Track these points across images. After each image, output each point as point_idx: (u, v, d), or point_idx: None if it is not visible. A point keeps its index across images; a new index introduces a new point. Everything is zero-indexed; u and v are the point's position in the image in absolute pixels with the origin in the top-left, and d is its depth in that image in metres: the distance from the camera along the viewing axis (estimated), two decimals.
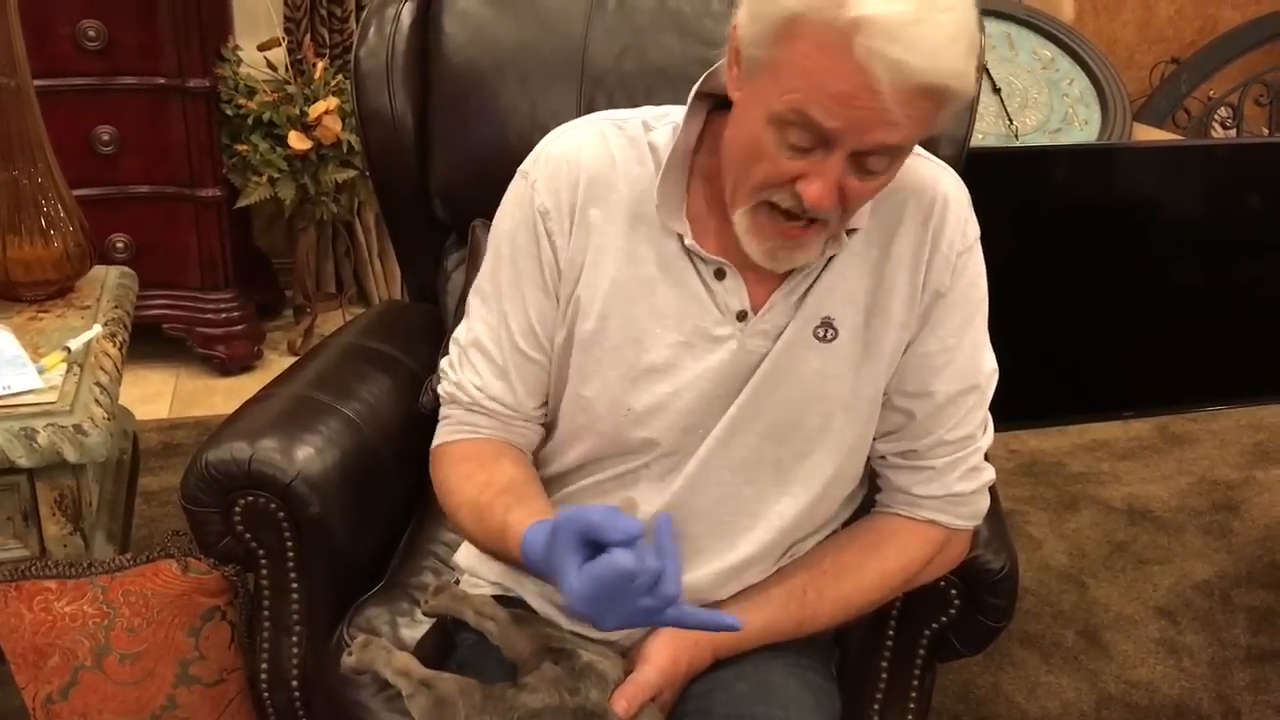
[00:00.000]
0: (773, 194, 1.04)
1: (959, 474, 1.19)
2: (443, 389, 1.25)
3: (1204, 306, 3.10)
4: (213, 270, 2.91)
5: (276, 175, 2.82)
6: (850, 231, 1.12)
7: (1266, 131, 3.77)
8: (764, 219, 1.06)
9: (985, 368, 1.19)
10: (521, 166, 1.21)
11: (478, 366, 1.21)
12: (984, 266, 1.19)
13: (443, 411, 1.25)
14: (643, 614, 0.96)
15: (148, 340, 2.98)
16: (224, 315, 2.95)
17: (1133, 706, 2.01)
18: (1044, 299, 3.21)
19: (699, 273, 1.14)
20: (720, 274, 1.14)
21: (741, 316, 1.14)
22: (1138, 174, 3.01)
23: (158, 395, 2.90)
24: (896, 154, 1.02)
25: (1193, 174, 3.07)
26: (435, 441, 1.26)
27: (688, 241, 1.13)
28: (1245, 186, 3.08)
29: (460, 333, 1.24)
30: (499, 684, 1.11)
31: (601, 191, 1.16)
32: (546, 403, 1.23)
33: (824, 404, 1.16)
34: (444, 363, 1.26)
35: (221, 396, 2.88)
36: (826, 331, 1.15)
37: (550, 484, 1.24)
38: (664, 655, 1.15)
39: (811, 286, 1.14)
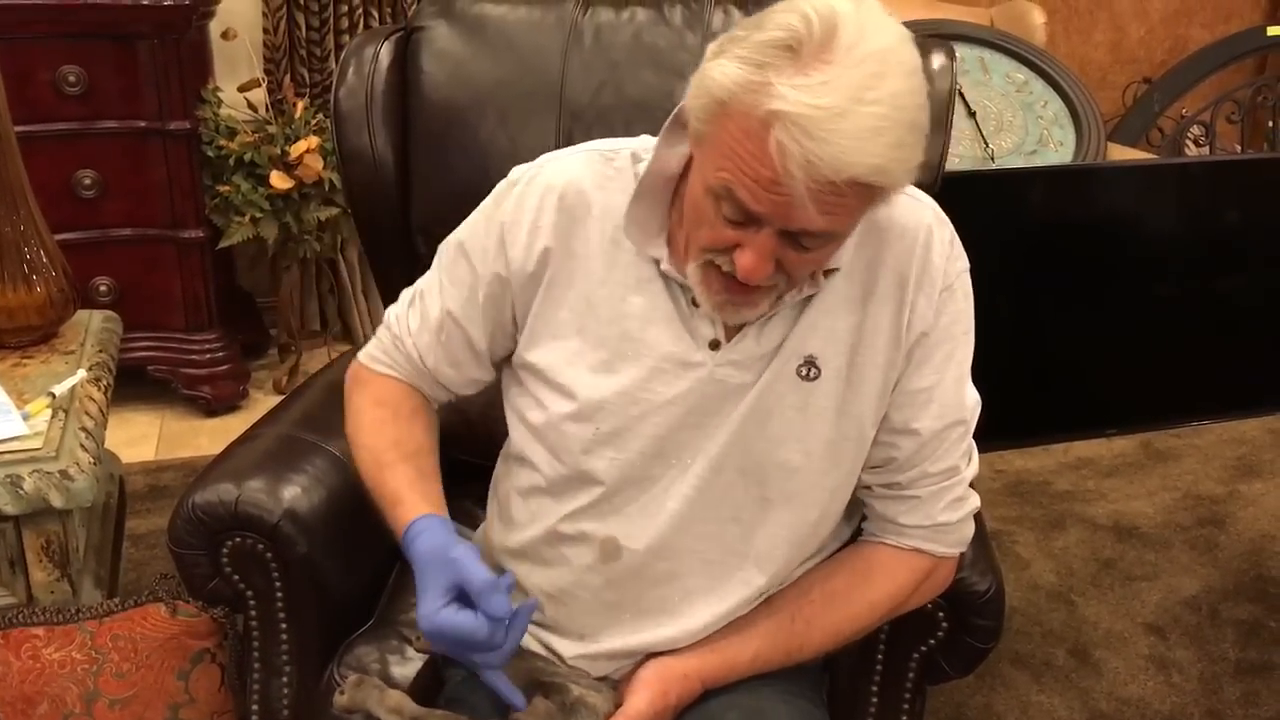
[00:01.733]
0: (715, 257, 1.06)
1: (944, 504, 1.20)
2: (388, 311, 1.32)
3: (1183, 322, 3.13)
4: (197, 311, 2.91)
5: (259, 215, 2.83)
6: (829, 272, 1.13)
7: (1239, 148, 3.81)
8: (711, 276, 1.08)
9: (968, 402, 1.20)
10: (514, 171, 1.24)
11: (416, 313, 1.28)
12: (970, 299, 1.20)
13: (379, 329, 1.32)
14: (466, 659, 1.12)
15: (132, 383, 2.98)
16: (209, 356, 2.95)
17: None
18: (1024, 319, 3.23)
19: (675, 298, 1.15)
20: (695, 302, 1.15)
21: (713, 345, 1.15)
22: (1114, 193, 3.05)
23: (143, 438, 2.90)
24: (830, 237, 1.04)
25: (1169, 192, 3.10)
26: (362, 356, 1.33)
27: (664, 266, 1.14)
28: (1220, 203, 3.12)
29: (425, 277, 1.30)
30: None
31: (578, 218, 1.17)
32: (470, 378, 1.28)
33: (806, 443, 1.16)
34: (405, 290, 1.31)
35: (207, 437, 2.87)
36: (809, 370, 1.15)
37: (525, 526, 1.24)
38: (653, 688, 1.16)
39: (795, 324, 1.14)
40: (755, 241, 1.01)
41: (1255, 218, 3.13)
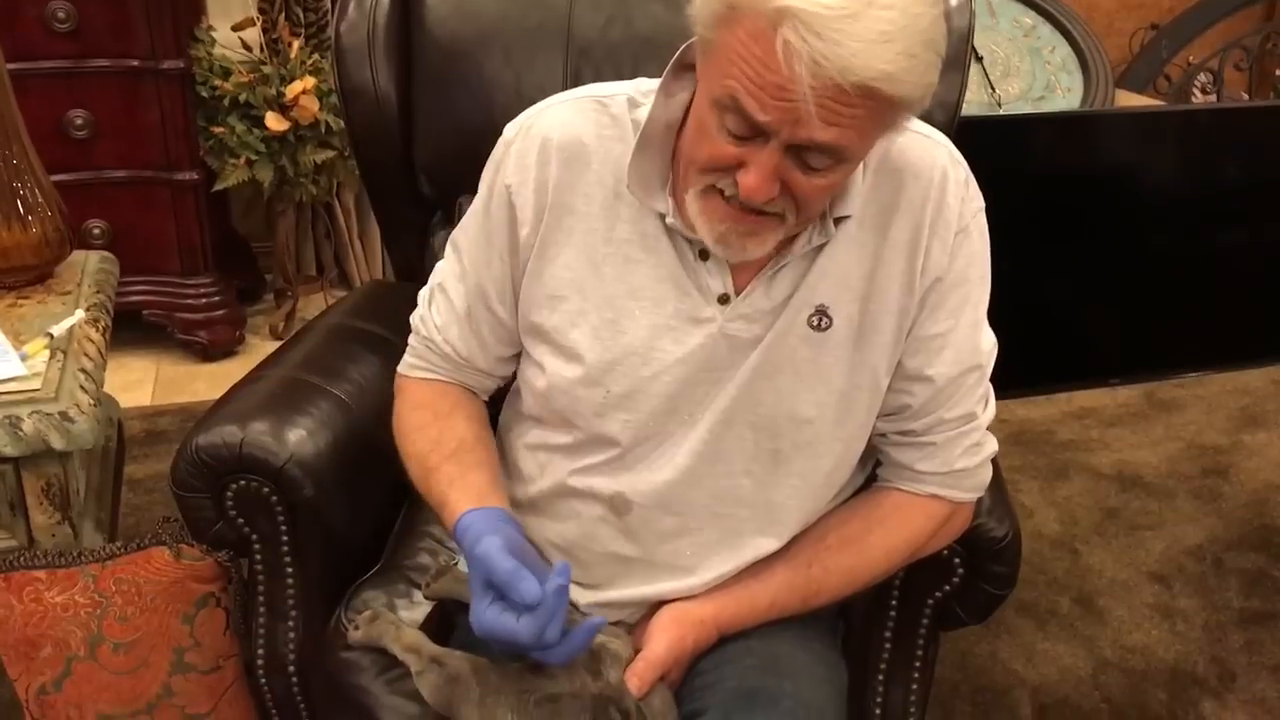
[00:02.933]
0: (717, 179, 1.01)
1: (961, 450, 1.18)
2: (413, 316, 1.28)
3: (1188, 272, 3.10)
4: (192, 255, 2.87)
5: (254, 157, 2.78)
6: (840, 220, 1.09)
7: (1246, 96, 3.77)
8: (713, 202, 1.03)
9: (984, 346, 1.17)
10: (508, 128, 1.20)
11: (440, 308, 1.24)
12: (986, 240, 1.16)
13: (410, 338, 1.28)
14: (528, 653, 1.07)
15: (127, 327, 2.94)
16: (204, 300, 2.91)
17: (1130, 671, 2.01)
18: (1029, 268, 3.20)
19: (681, 253, 1.12)
20: (704, 254, 1.11)
21: (723, 299, 1.12)
22: (1122, 141, 3.01)
23: (139, 383, 2.86)
24: (838, 155, 0.98)
25: (1176, 140, 3.06)
26: (400, 367, 1.30)
27: (669, 220, 1.10)
28: (1228, 152, 3.08)
29: (437, 268, 1.27)
30: (513, 664, 1.09)
31: (577, 171, 1.13)
32: (506, 357, 1.25)
33: (818, 394, 1.13)
34: (421, 291, 1.28)
35: (204, 383, 2.84)
36: (820, 320, 1.12)
37: (534, 479, 1.23)
38: (671, 633, 1.14)
39: (806, 274, 1.11)
40: (759, 157, 0.96)
41: (1262, 167, 3.10)
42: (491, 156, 1.20)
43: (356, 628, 1.18)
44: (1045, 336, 3.08)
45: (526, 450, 1.23)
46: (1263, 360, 3.09)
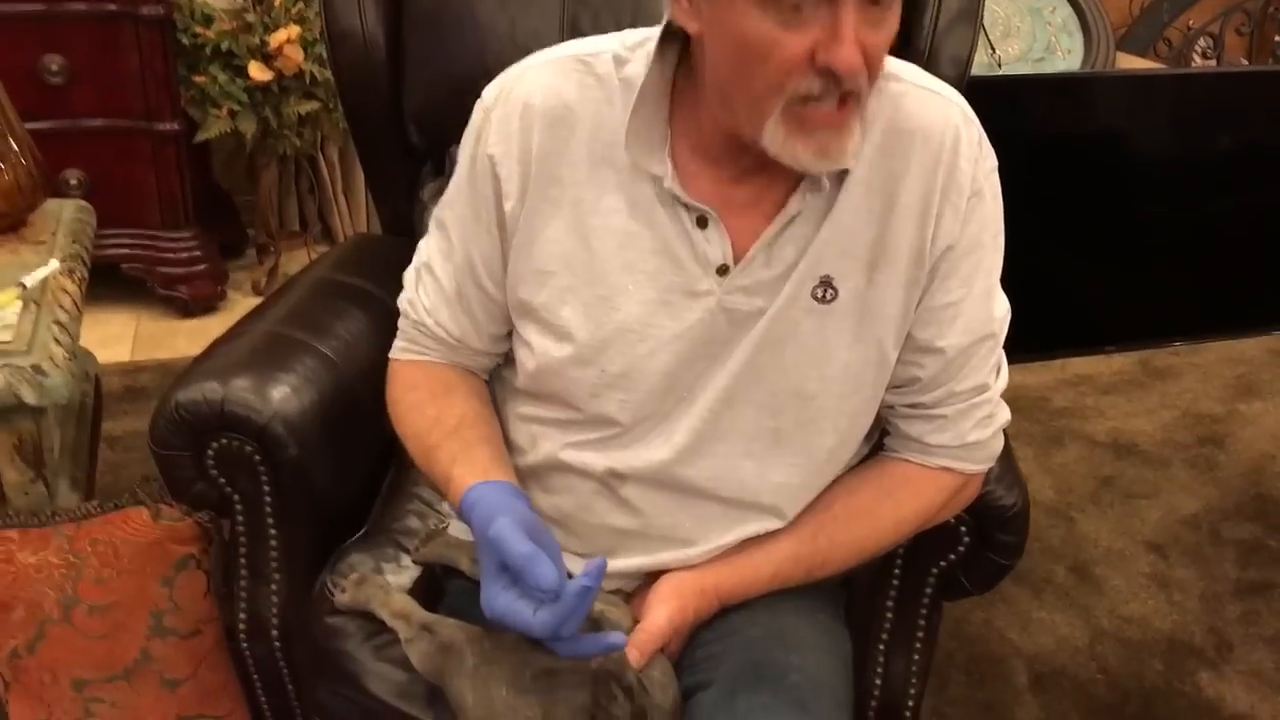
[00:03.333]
0: (795, 85, 0.92)
1: (973, 423, 1.13)
2: (401, 299, 1.22)
3: (1185, 237, 3.07)
4: (172, 207, 2.80)
5: (236, 108, 2.71)
6: (842, 175, 1.03)
7: (1246, 61, 3.72)
8: (800, 115, 0.94)
9: (997, 313, 1.12)
10: (484, 94, 1.13)
11: (428, 290, 1.18)
12: (999, 200, 1.10)
13: (400, 321, 1.23)
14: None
15: (106, 281, 2.88)
16: (185, 254, 2.84)
17: (1126, 641, 1.99)
18: (1024, 232, 3.14)
19: (678, 221, 1.05)
20: (703, 222, 1.05)
21: (722, 271, 1.06)
22: (1121, 103, 2.96)
23: (118, 338, 2.80)
24: None
25: (1175, 104, 3.02)
26: (392, 352, 1.24)
27: (667, 183, 1.04)
28: (1227, 117, 3.03)
29: (421, 247, 1.21)
30: (510, 634, 1.04)
31: (562, 138, 1.06)
32: (502, 334, 1.18)
33: (823, 369, 1.08)
34: (407, 271, 1.22)
35: (184, 338, 2.78)
36: (825, 292, 1.06)
37: (526, 451, 1.17)
38: (672, 603, 1.10)
39: (809, 243, 1.05)
40: (841, 21, 0.88)
41: (1261, 132, 3.05)
42: (470, 124, 1.13)
43: (343, 591, 1.13)
44: (1041, 302, 3.03)
45: (519, 421, 1.18)
46: (1259, 329, 3.06)
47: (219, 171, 3.15)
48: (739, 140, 0.99)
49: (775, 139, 0.95)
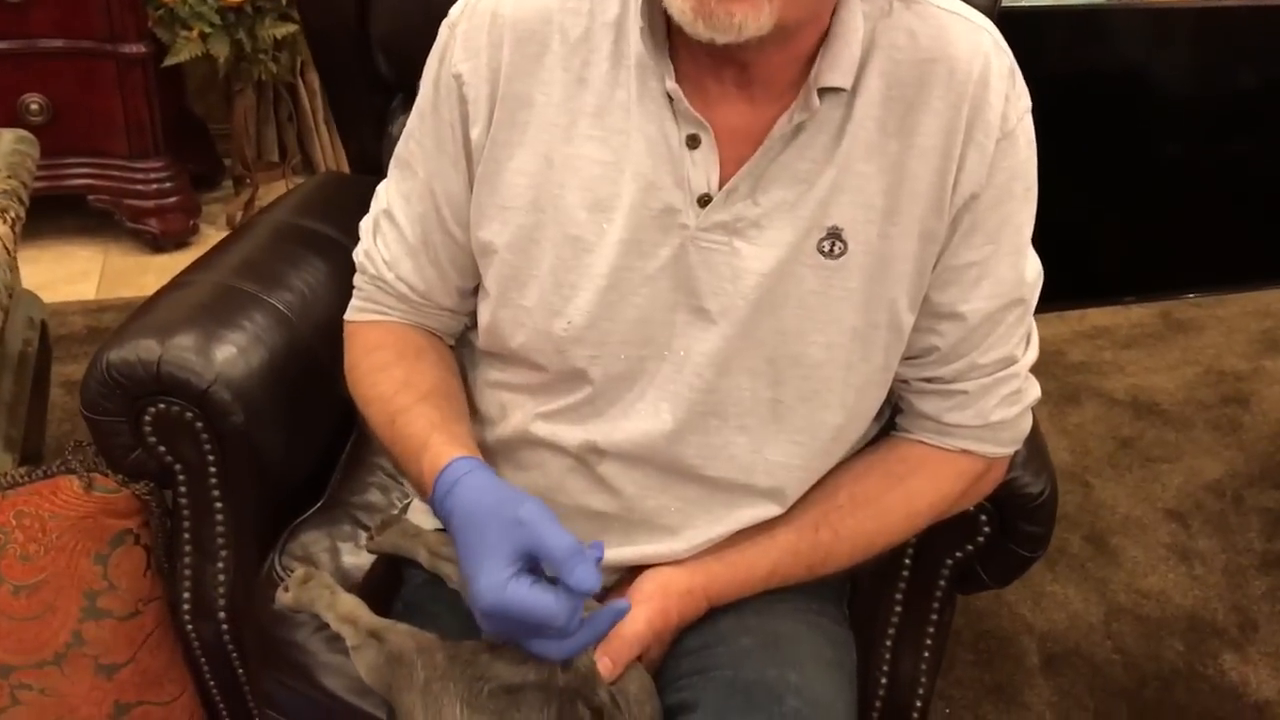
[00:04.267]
0: None
1: (997, 400, 0.99)
2: (357, 252, 1.08)
3: (1208, 183, 2.92)
4: (140, 135, 2.65)
5: (208, 30, 2.54)
6: (827, 92, 0.88)
7: None
8: None
9: (1028, 276, 0.97)
10: (452, 10, 0.98)
11: (388, 239, 1.04)
12: (1033, 147, 0.96)
13: (356, 278, 1.08)
14: (528, 643, 0.87)
15: (72, 213, 2.75)
16: (155, 186, 2.69)
17: (1144, 619, 1.87)
18: (1039, 174, 3.01)
19: (664, 141, 0.91)
20: (693, 141, 0.91)
21: (703, 201, 0.91)
22: (1141, 39, 2.80)
23: (84, 274, 2.66)
24: None
25: (1197, 41, 2.86)
26: (347, 314, 1.10)
27: (669, 84, 0.89)
28: (1254, 55, 2.87)
29: (380, 192, 1.06)
30: (467, 643, 0.91)
31: (533, 55, 0.92)
32: (469, 287, 1.04)
33: (829, 334, 0.94)
34: (364, 221, 1.08)
35: (154, 275, 2.63)
36: (833, 245, 0.92)
37: (495, 423, 1.04)
38: (653, 604, 0.96)
39: (811, 188, 0.91)
40: None
41: None
42: (435, 46, 0.99)
43: (285, 589, 1.01)
44: (1057, 249, 2.89)
45: (486, 388, 1.04)
46: None
47: (192, 98, 2.99)
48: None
49: None
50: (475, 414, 1.05)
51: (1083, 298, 2.81)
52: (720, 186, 0.91)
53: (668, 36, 0.90)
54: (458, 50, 0.95)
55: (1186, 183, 2.91)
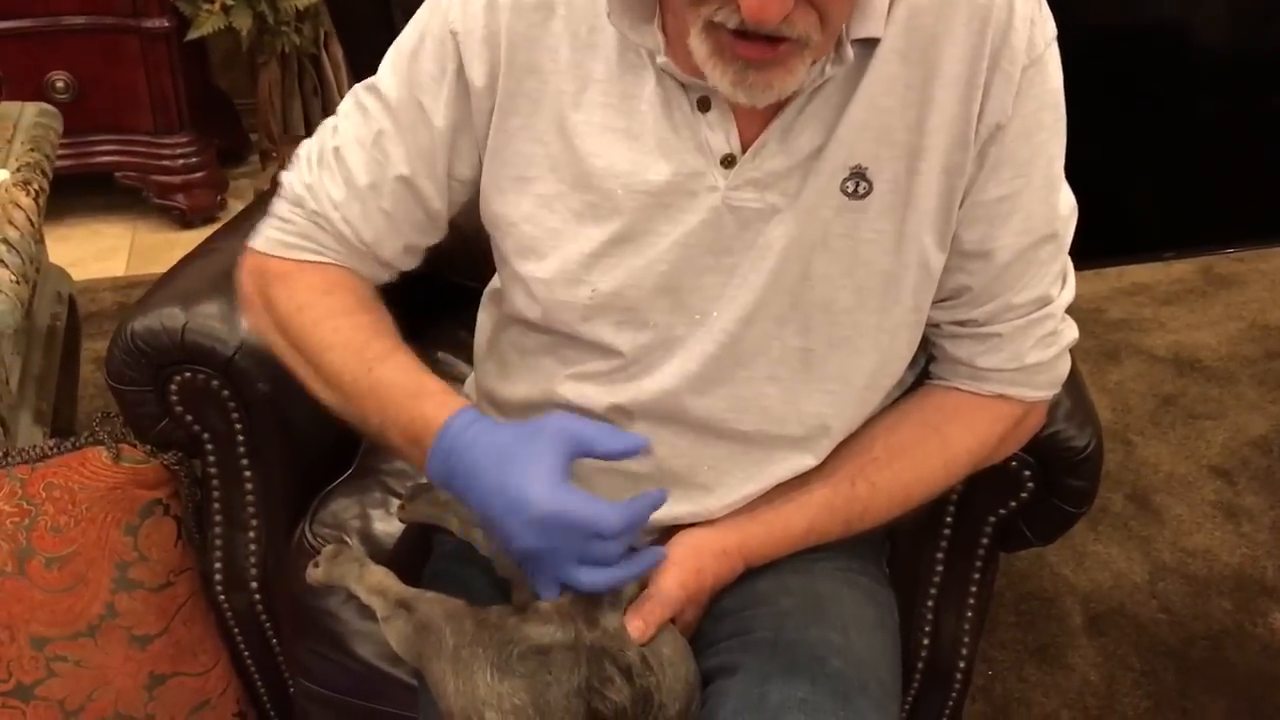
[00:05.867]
0: (713, 11, 0.78)
1: (1033, 341, 0.96)
2: (291, 178, 0.98)
3: (1249, 133, 2.85)
4: (166, 111, 2.64)
5: (230, 2, 2.52)
6: (861, 43, 0.85)
7: None
8: (718, 39, 0.80)
9: (1061, 210, 0.94)
10: None
11: (335, 178, 0.95)
12: (1060, 76, 0.92)
13: (280, 207, 0.98)
14: (573, 568, 0.83)
15: (100, 191, 2.75)
16: (181, 161, 2.69)
17: (1190, 577, 1.83)
18: (1074, 129, 2.95)
19: (676, 106, 0.88)
20: (704, 103, 0.88)
21: (728, 161, 0.89)
22: None
23: (113, 251, 2.66)
24: None
25: None
26: (263, 244, 0.98)
27: (660, 59, 0.86)
28: None
29: (333, 124, 0.98)
30: (494, 608, 0.90)
31: (538, 20, 0.89)
32: (421, 245, 1.00)
33: (858, 278, 0.91)
34: (302, 148, 0.99)
35: (183, 251, 2.55)
36: (858, 185, 0.89)
37: (519, 380, 1.01)
38: (686, 565, 0.94)
39: (835, 126, 0.87)
40: None
41: None
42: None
43: (317, 565, 1.00)
44: (1093, 204, 2.84)
45: (512, 350, 1.02)
46: None
47: (217, 71, 2.98)
48: None
49: (699, 52, 0.81)
50: (499, 374, 1.03)
51: (1121, 254, 2.75)
52: (741, 144, 0.89)
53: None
54: (458, 9, 0.91)
55: (1226, 134, 2.84)
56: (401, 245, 0.98)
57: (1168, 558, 1.87)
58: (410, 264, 1.01)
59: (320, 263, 0.97)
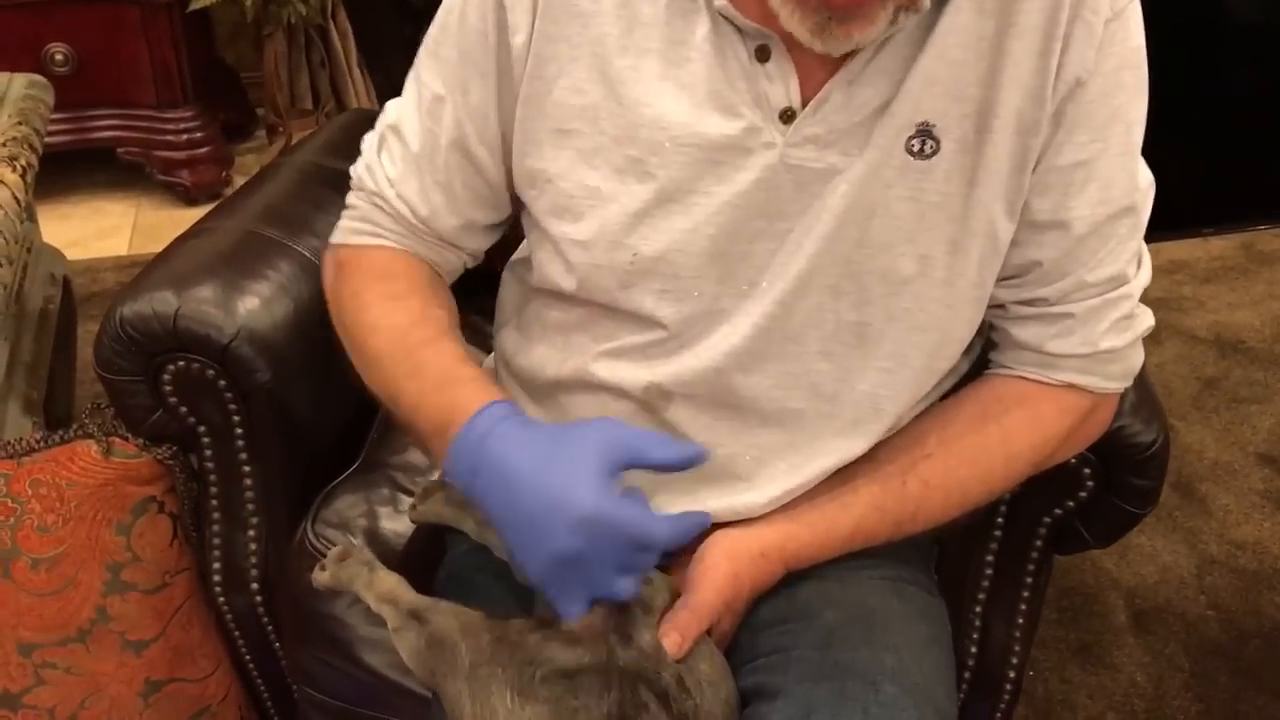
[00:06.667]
0: None
1: (1108, 325, 0.88)
2: (356, 166, 0.97)
3: None
4: (169, 84, 2.57)
5: None
6: None
7: None
8: None
9: (1141, 181, 0.87)
10: None
11: (394, 155, 0.93)
12: (1142, 35, 0.84)
13: (350, 196, 0.98)
14: (611, 578, 0.76)
15: (103, 167, 2.68)
16: (185, 136, 2.61)
17: (1240, 571, 1.75)
18: None
19: (732, 55, 0.81)
20: (763, 53, 0.81)
21: (786, 116, 0.81)
22: None
23: (115, 229, 2.59)
24: None
25: None
26: (336, 235, 0.98)
27: (718, 1, 0.79)
28: None
29: (390, 107, 0.96)
30: (514, 621, 0.82)
31: None
32: (481, 225, 0.95)
33: (920, 245, 0.83)
34: (367, 137, 0.97)
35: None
36: (924, 144, 0.81)
37: (549, 362, 0.94)
38: (721, 572, 0.86)
39: (903, 79, 0.80)
40: None
41: None
42: None
43: (322, 568, 0.92)
44: None
45: (539, 326, 0.94)
46: None
47: (222, 44, 2.91)
48: None
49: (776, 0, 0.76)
50: (528, 355, 0.95)
51: (1157, 230, 2.66)
52: (802, 97, 0.81)
53: None
54: None
55: (1264, 106, 2.75)
56: (460, 221, 0.94)
57: (1215, 550, 1.78)
58: (475, 243, 0.97)
59: (380, 246, 0.95)
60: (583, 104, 0.84)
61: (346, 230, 0.97)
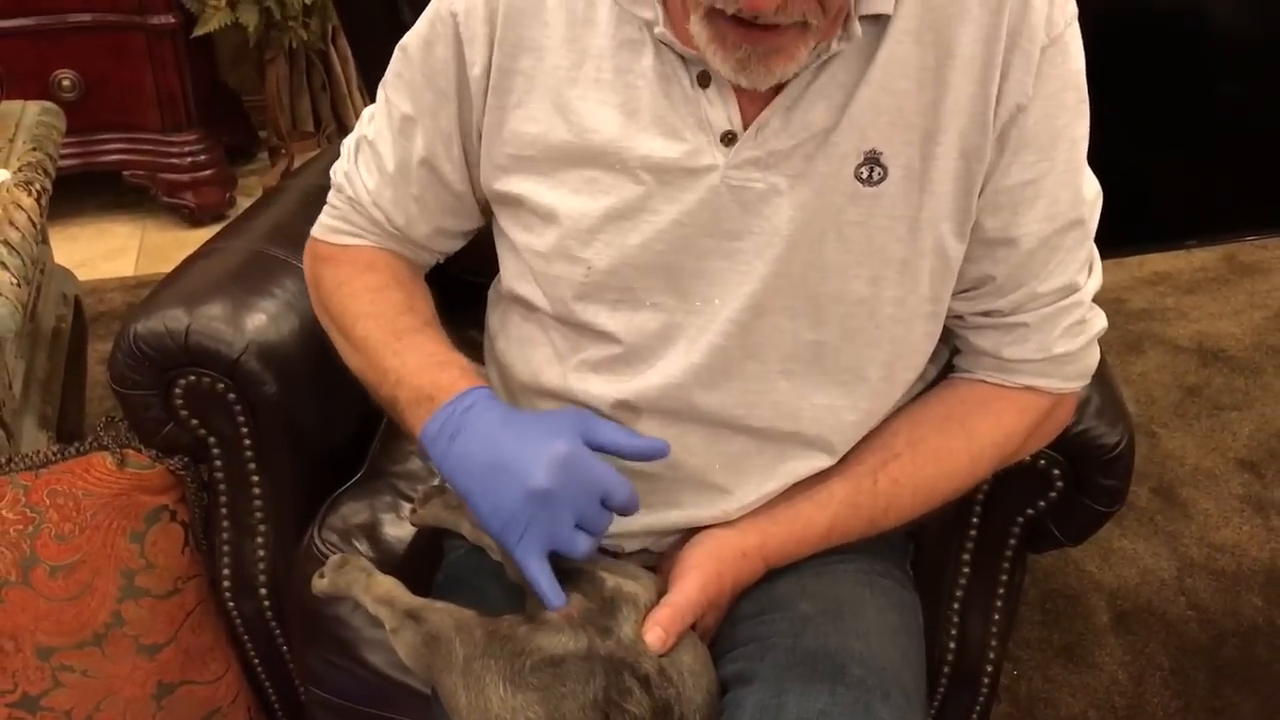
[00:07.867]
0: None
1: (1060, 331, 0.93)
2: (336, 168, 1.04)
3: (1272, 119, 2.80)
4: (173, 108, 2.62)
5: None
6: (870, 19, 0.82)
7: None
8: (721, 27, 0.79)
9: (1086, 194, 0.91)
10: None
11: (369, 166, 1.00)
12: (1082, 57, 0.89)
13: (331, 195, 1.05)
14: (568, 529, 0.83)
15: (109, 190, 2.73)
16: (190, 159, 2.67)
17: (1219, 573, 1.79)
18: (1091, 115, 2.90)
19: (675, 81, 0.86)
20: (704, 79, 0.86)
21: (728, 139, 0.86)
22: None
23: (121, 251, 2.64)
24: None
25: None
26: (317, 230, 1.06)
27: (658, 30, 0.85)
28: None
29: (367, 116, 1.02)
30: (505, 617, 0.87)
31: None
32: (451, 231, 1.03)
33: (872, 267, 0.88)
34: (346, 140, 1.04)
35: (192, 250, 2.60)
36: (873, 171, 0.86)
37: (521, 374, 0.99)
38: (705, 570, 0.91)
39: (846, 106, 0.85)
40: None
41: None
42: None
43: (322, 575, 0.97)
44: (1112, 192, 2.79)
45: (514, 339, 1.00)
46: None
47: (225, 68, 2.96)
48: None
49: (700, 38, 0.81)
50: (507, 365, 1.01)
51: (1141, 242, 2.71)
52: (743, 121, 0.86)
53: None
54: None
55: (1247, 118, 2.79)
56: (433, 229, 1.01)
57: (1195, 553, 1.83)
58: (447, 246, 1.05)
59: (361, 245, 1.02)
60: (537, 131, 0.90)
61: (328, 228, 1.04)
